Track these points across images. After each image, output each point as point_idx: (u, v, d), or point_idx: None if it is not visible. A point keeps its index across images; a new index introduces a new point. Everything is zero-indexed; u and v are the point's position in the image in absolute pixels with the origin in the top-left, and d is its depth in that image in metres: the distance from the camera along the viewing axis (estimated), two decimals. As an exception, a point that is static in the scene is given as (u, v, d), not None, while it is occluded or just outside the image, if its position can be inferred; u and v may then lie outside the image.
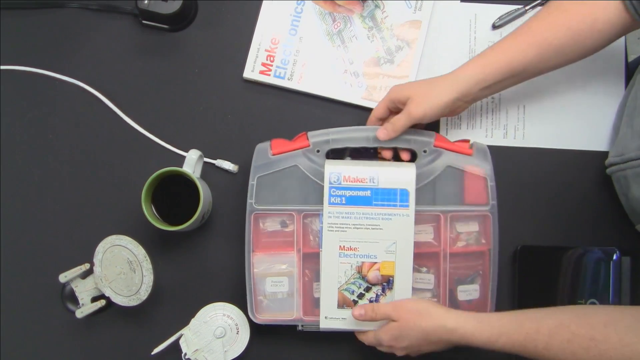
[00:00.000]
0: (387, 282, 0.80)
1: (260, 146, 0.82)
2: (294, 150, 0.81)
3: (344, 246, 0.79)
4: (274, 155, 0.81)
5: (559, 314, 0.68)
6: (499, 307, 0.85)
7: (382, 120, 0.83)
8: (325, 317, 0.80)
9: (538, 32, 0.75)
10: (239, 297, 0.84)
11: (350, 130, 0.82)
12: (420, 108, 0.76)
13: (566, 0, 0.75)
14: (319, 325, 0.81)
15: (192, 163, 0.84)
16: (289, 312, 0.82)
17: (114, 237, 0.79)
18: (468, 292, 0.82)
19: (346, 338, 0.85)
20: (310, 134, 0.82)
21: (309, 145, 0.81)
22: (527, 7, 0.91)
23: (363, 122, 0.85)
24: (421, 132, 0.81)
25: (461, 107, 0.80)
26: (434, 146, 0.81)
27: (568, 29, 0.74)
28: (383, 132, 0.80)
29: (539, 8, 0.91)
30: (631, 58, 0.92)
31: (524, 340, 0.67)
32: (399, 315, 0.74)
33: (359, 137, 0.81)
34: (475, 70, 0.76)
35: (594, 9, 0.73)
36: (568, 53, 0.76)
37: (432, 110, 0.77)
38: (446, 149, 0.81)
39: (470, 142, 0.83)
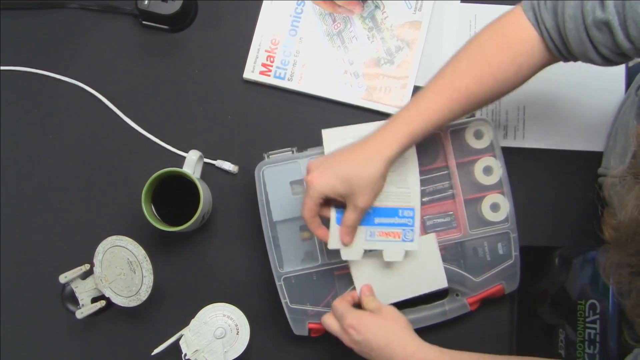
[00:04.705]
0: None
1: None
2: None
3: None
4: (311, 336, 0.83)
5: None
6: (499, 307, 0.86)
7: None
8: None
9: (462, 86, 0.71)
10: (239, 297, 0.84)
11: None
12: (367, 198, 0.71)
13: (486, 48, 0.71)
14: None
15: (192, 164, 0.84)
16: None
17: (114, 237, 0.79)
18: None
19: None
20: None
21: None
22: (527, 8, 0.91)
23: (362, 122, 0.85)
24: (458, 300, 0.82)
25: None
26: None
27: (495, 80, 0.71)
28: (347, 240, 0.74)
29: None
30: (631, 58, 0.92)
31: None
32: (384, 313, 0.73)
33: None
34: (403, 139, 0.70)
35: (516, 57, 0.70)
36: (495, 95, 0.73)
37: (376, 195, 0.72)
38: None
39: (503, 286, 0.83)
